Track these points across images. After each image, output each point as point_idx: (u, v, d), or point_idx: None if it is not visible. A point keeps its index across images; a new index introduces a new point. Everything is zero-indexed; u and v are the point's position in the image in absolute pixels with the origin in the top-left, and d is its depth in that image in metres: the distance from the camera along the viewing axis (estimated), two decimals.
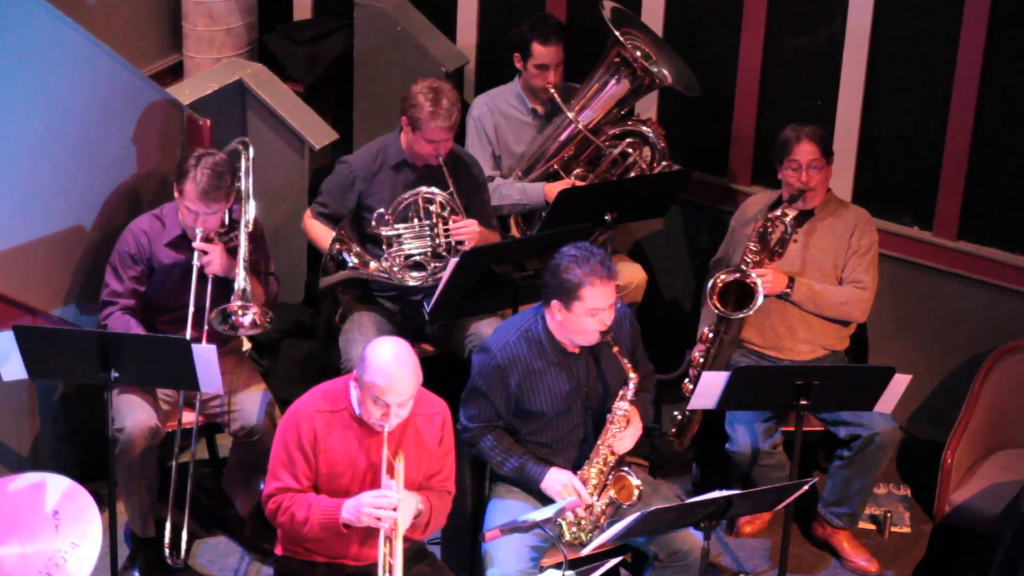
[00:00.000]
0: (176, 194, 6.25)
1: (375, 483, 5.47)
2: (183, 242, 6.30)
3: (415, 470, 5.55)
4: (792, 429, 6.18)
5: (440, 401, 5.64)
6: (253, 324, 6.19)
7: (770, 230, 6.51)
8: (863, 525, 6.82)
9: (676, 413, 6.76)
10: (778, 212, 6.51)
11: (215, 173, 6.16)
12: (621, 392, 5.80)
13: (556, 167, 7.06)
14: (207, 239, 6.24)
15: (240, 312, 6.17)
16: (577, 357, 5.84)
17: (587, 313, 5.66)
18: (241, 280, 6.18)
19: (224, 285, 6.26)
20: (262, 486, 5.80)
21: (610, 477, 5.82)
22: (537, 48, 7.05)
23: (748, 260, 6.50)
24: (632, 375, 5.75)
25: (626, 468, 5.83)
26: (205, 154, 6.21)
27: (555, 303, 5.71)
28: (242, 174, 6.43)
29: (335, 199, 6.68)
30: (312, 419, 5.47)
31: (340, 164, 6.73)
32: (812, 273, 6.60)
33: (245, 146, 6.50)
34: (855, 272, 6.61)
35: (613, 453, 5.82)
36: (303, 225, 6.78)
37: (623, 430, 5.81)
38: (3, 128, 6.15)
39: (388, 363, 5.33)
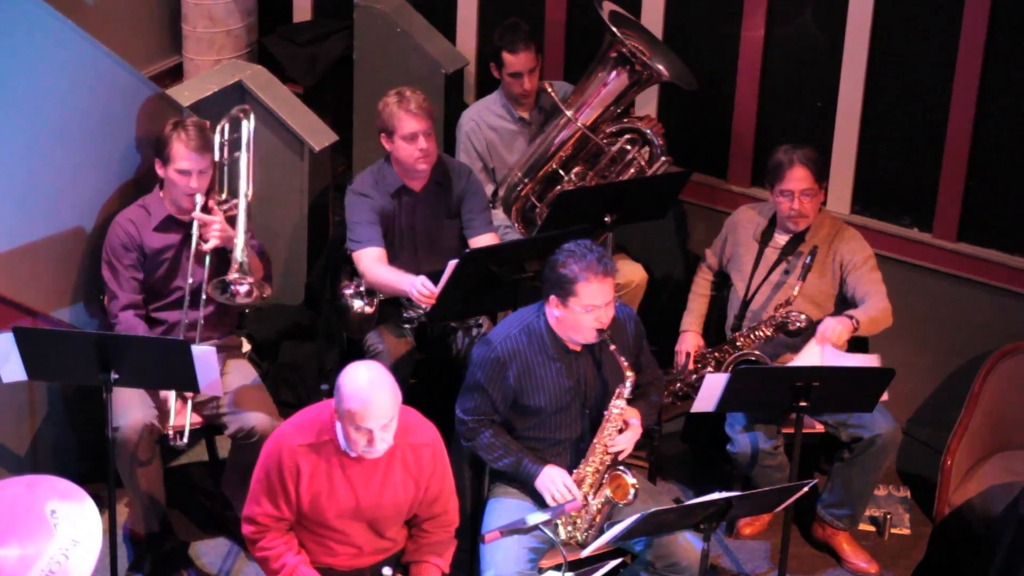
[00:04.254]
0: (160, 170, 6.28)
1: (359, 517, 5.47)
2: (171, 224, 6.32)
3: (405, 497, 5.52)
4: (792, 431, 6.18)
5: (431, 428, 5.57)
6: (249, 293, 6.16)
7: (790, 327, 6.50)
8: (863, 527, 6.82)
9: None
10: (796, 314, 6.46)
11: (198, 127, 6.25)
12: (617, 391, 5.80)
13: (555, 167, 7.06)
14: (204, 209, 6.24)
15: (238, 281, 6.16)
16: (578, 355, 5.84)
17: (583, 309, 5.66)
18: (239, 252, 6.17)
19: (221, 262, 6.27)
20: None
21: (606, 476, 5.82)
22: (507, 57, 7.07)
23: (761, 335, 6.54)
24: (629, 374, 5.75)
25: (622, 467, 5.82)
26: (180, 119, 6.30)
27: (553, 298, 5.72)
28: (243, 143, 6.44)
29: (373, 224, 6.62)
30: (295, 453, 5.39)
31: (359, 196, 6.64)
32: (802, 305, 6.56)
33: (246, 114, 6.51)
34: (863, 286, 6.55)
35: (608, 453, 5.82)
36: (370, 280, 6.55)
37: (619, 430, 5.81)
38: (2, 129, 6.15)
39: (363, 388, 5.25)
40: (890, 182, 7.14)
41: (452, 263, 6.29)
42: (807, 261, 6.50)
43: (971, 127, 6.88)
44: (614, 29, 6.84)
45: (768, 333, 6.54)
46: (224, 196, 6.41)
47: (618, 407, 5.80)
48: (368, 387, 5.26)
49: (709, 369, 6.68)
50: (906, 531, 6.89)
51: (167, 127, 6.27)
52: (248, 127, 6.47)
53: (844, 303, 6.64)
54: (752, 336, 6.58)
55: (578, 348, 5.83)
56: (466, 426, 5.88)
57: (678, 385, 6.76)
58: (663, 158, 7.01)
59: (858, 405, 6.25)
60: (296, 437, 5.42)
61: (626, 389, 5.78)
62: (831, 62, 7.08)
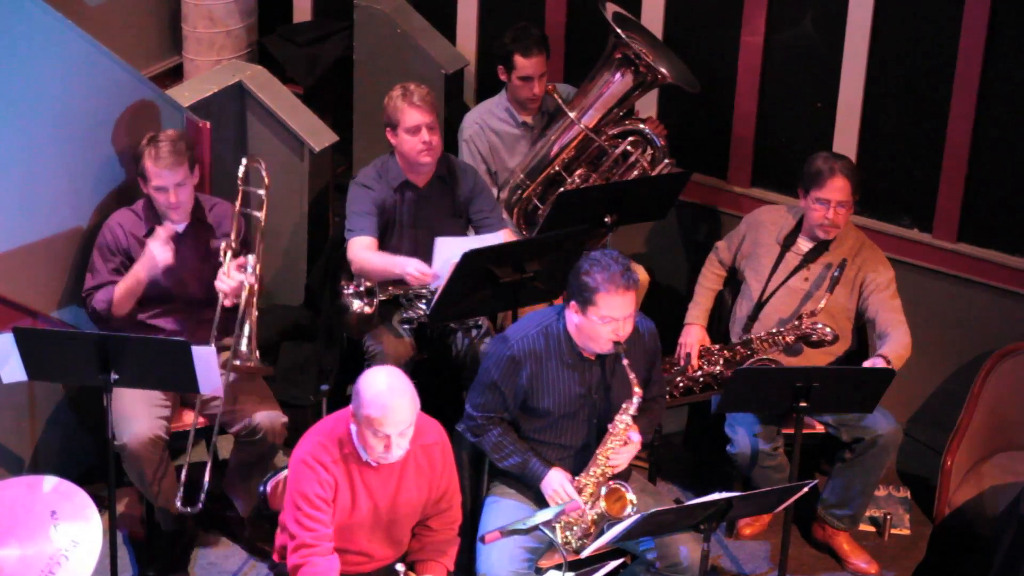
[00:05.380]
0: (141, 184, 6.28)
1: (377, 524, 5.48)
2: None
3: (419, 498, 5.55)
4: (792, 431, 6.18)
5: (437, 426, 5.59)
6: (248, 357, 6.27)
7: (813, 338, 6.49)
8: (863, 527, 6.82)
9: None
10: (821, 327, 6.45)
11: (170, 141, 6.22)
12: (624, 406, 5.78)
13: (558, 168, 7.07)
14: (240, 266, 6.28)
15: (244, 360, 6.25)
16: (592, 363, 5.81)
17: (601, 320, 5.63)
18: (244, 342, 6.22)
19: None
20: (262, 488, 5.79)
21: (604, 489, 5.81)
22: (519, 60, 7.06)
23: (782, 341, 6.52)
24: (637, 390, 5.73)
25: (622, 482, 5.81)
26: (154, 134, 6.27)
27: (573, 304, 5.70)
28: (263, 195, 6.47)
29: (370, 215, 6.63)
30: (329, 469, 5.40)
31: (361, 187, 6.65)
32: (821, 318, 6.55)
33: (254, 159, 6.53)
34: (885, 312, 6.52)
35: (609, 465, 5.81)
36: (359, 265, 6.57)
37: (623, 444, 5.80)
38: (3, 130, 6.15)
39: (383, 393, 5.27)
40: (890, 182, 7.14)
41: (452, 263, 6.27)
42: (836, 274, 6.48)
43: (971, 127, 6.88)
44: (619, 31, 6.83)
45: (789, 340, 6.51)
46: (235, 245, 6.38)
47: (623, 422, 5.78)
48: (388, 393, 5.27)
49: (719, 368, 6.66)
50: (906, 531, 6.89)
51: (143, 140, 6.26)
52: (265, 173, 6.49)
53: (858, 318, 6.64)
54: (771, 340, 6.55)
55: (592, 356, 5.82)
56: (475, 422, 5.87)
57: (678, 380, 6.72)
58: (666, 160, 7.01)
59: (858, 406, 6.25)
60: (324, 454, 5.41)
61: (632, 406, 5.76)
62: (831, 63, 7.08)
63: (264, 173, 6.52)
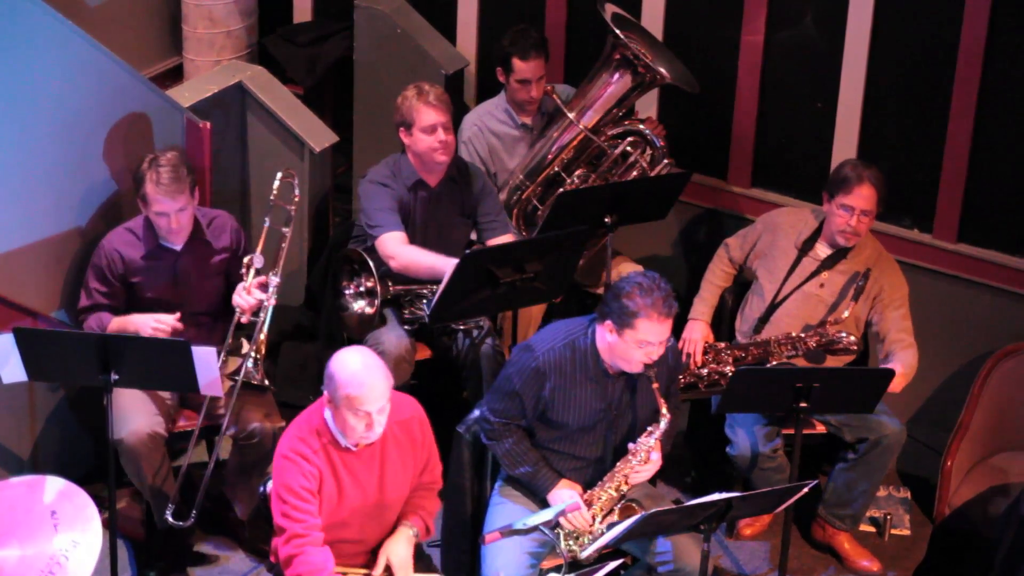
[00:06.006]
0: (141, 205, 6.26)
1: (366, 509, 5.49)
2: (162, 252, 6.32)
3: (405, 476, 5.56)
4: (792, 432, 6.17)
5: (411, 401, 5.62)
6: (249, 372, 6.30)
7: (838, 346, 6.49)
8: (863, 527, 6.82)
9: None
10: (846, 335, 6.45)
11: (171, 167, 6.17)
12: (650, 428, 5.76)
13: (557, 169, 7.07)
14: (262, 286, 6.29)
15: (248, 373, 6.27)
16: (614, 378, 5.79)
17: (636, 344, 5.60)
18: (251, 361, 6.24)
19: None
20: (261, 489, 5.79)
21: (618, 506, 5.80)
22: (517, 64, 7.06)
23: (803, 346, 6.51)
24: (666, 414, 5.71)
25: (636, 500, 5.81)
26: (155, 155, 6.22)
27: (609, 323, 5.64)
28: (292, 211, 6.48)
29: (394, 212, 6.63)
30: (310, 460, 5.42)
31: (378, 185, 6.64)
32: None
33: (289, 174, 6.55)
34: (895, 332, 6.53)
35: (627, 483, 5.80)
36: (404, 261, 6.54)
37: (643, 464, 5.79)
38: (3, 130, 6.15)
39: (360, 372, 5.30)
40: (890, 183, 7.12)
41: (452, 263, 6.27)
42: (860, 283, 6.48)
43: (971, 127, 6.88)
44: (617, 31, 6.84)
45: (811, 345, 6.50)
46: (259, 262, 6.38)
47: (646, 444, 5.76)
48: (364, 371, 5.31)
49: (728, 368, 6.64)
50: (906, 532, 6.89)
51: (143, 164, 6.21)
52: (296, 192, 6.50)
53: (866, 327, 6.64)
54: (791, 344, 6.51)
55: (616, 372, 5.81)
56: (491, 426, 5.85)
57: (680, 377, 6.68)
58: (665, 160, 7.01)
59: (858, 406, 6.25)
60: (303, 446, 5.42)
61: (659, 429, 5.75)
62: (831, 63, 7.08)
63: (296, 188, 6.52)
